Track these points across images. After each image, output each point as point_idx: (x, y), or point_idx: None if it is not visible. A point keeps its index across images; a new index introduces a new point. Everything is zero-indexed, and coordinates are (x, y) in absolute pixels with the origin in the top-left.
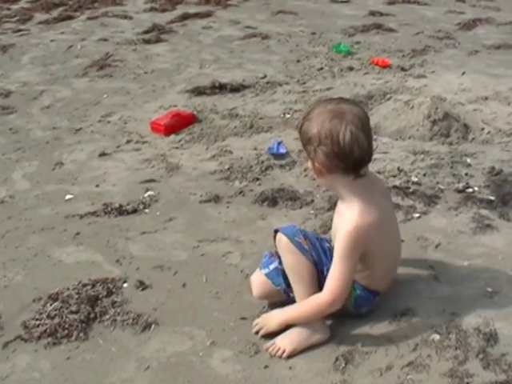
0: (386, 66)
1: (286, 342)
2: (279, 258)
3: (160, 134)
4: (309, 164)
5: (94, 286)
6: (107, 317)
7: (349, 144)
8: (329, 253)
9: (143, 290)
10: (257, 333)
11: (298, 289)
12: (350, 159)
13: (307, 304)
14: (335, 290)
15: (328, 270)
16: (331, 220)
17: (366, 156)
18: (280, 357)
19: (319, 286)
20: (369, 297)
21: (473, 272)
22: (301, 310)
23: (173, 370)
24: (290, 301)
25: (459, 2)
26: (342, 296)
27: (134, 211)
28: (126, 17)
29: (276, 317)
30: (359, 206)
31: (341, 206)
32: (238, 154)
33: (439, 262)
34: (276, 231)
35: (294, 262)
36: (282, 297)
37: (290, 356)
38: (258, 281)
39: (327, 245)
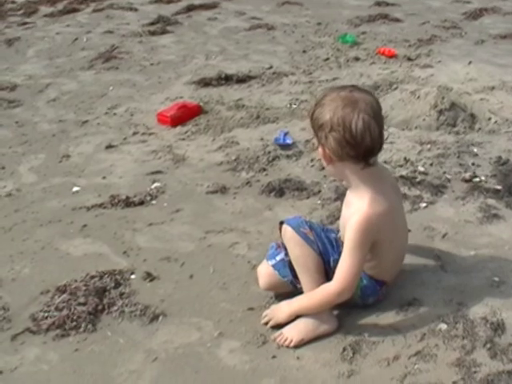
0: (392, 56)
1: (293, 332)
2: (285, 249)
3: (166, 125)
4: (319, 151)
5: (101, 277)
6: (115, 308)
7: (361, 132)
8: (335, 243)
9: (151, 281)
10: (266, 324)
11: (304, 279)
12: (360, 147)
13: (316, 294)
14: (345, 280)
15: (334, 260)
16: (338, 210)
17: (376, 145)
18: (287, 346)
19: (326, 276)
20: (375, 287)
21: (479, 262)
22: (309, 301)
23: (180, 361)
24: (297, 292)
25: None
26: (351, 286)
27: (141, 203)
28: (131, 9)
29: (284, 308)
30: (369, 195)
31: (350, 196)
32: (245, 144)
33: (446, 251)
34: (281, 223)
35: (299, 253)
36: (289, 288)
37: (297, 346)
38: (265, 272)
39: (333, 235)
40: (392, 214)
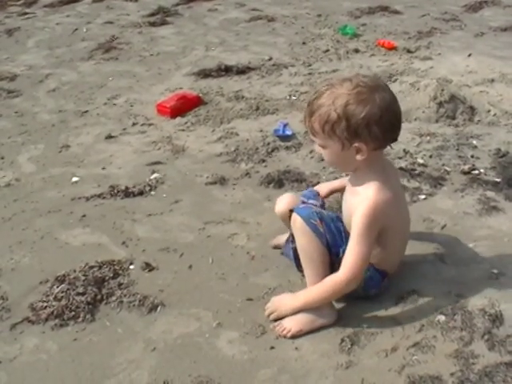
0: (391, 48)
1: (292, 323)
2: (293, 236)
3: (166, 116)
4: (340, 151)
5: (100, 267)
6: (114, 298)
7: (398, 107)
8: (344, 234)
9: (150, 271)
10: (268, 316)
11: (308, 271)
12: (400, 123)
13: (323, 285)
14: (352, 269)
15: (343, 251)
16: (337, 201)
17: (401, 118)
18: (285, 336)
19: (332, 269)
20: (378, 278)
21: (478, 254)
22: (317, 292)
23: (179, 351)
24: (298, 285)
25: None
26: (358, 275)
27: (141, 193)
28: None
29: (289, 301)
30: (376, 183)
31: (356, 185)
32: (244, 136)
33: (445, 243)
34: (291, 211)
35: (306, 244)
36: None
37: (296, 336)
38: (289, 198)
39: (341, 224)
40: (397, 201)
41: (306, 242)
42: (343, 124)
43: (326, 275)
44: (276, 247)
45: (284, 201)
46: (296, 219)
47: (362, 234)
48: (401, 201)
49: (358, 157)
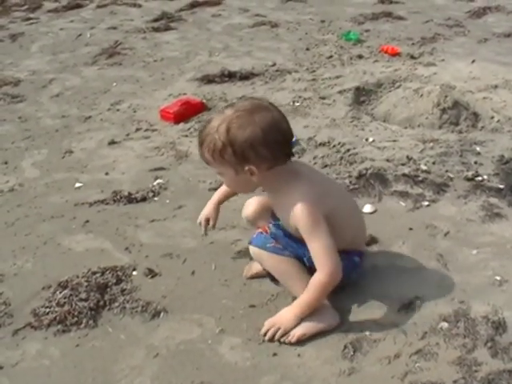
0: (395, 54)
1: (296, 328)
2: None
3: (169, 121)
4: (239, 177)
5: (103, 273)
6: (116, 304)
7: (286, 124)
8: (301, 243)
9: (152, 277)
10: (272, 337)
11: (291, 286)
12: (290, 138)
13: (310, 289)
14: (328, 265)
15: (308, 259)
16: None
17: (290, 134)
18: (290, 342)
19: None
20: (352, 260)
21: (481, 260)
22: (307, 298)
23: (182, 357)
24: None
25: None
26: (337, 266)
27: (144, 199)
28: (135, 5)
29: (287, 314)
30: (295, 186)
31: (278, 200)
32: None
33: (448, 250)
34: (249, 243)
35: (274, 264)
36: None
37: (299, 340)
38: (255, 202)
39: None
40: (326, 188)
41: (273, 264)
42: (229, 150)
43: (307, 279)
44: (252, 276)
45: (251, 206)
46: (254, 251)
47: (313, 231)
48: (331, 186)
49: (254, 178)
